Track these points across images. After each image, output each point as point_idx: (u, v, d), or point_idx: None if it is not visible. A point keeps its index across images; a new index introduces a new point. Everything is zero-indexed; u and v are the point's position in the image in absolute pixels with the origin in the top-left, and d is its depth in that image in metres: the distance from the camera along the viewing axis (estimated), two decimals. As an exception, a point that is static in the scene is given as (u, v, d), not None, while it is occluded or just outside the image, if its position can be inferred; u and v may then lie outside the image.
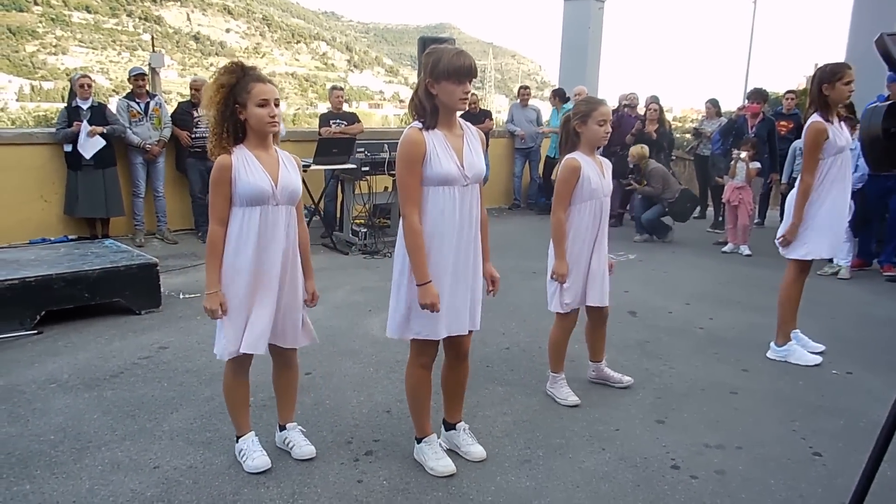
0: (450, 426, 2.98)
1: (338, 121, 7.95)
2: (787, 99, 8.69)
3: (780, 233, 4.09)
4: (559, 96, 9.68)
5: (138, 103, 6.91)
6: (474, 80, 2.52)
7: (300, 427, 3.00)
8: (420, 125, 2.55)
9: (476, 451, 2.92)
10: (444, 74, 2.45)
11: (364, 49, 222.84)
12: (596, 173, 3.33)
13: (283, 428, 2.98)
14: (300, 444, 2.91)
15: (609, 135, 3.35)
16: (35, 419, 3.21)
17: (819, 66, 3.93)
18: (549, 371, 3.60)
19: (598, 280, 3.42)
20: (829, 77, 3.82)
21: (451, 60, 2.45)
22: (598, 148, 3.45)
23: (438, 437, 2.93)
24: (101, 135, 6.53)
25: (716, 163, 8.46)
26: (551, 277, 3.39)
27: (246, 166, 2.55)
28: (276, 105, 2.57)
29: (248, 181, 2.54)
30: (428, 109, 2.53)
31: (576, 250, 3.37)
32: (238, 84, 2.53)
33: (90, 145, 6.49)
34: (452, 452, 2.92)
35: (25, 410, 3.30)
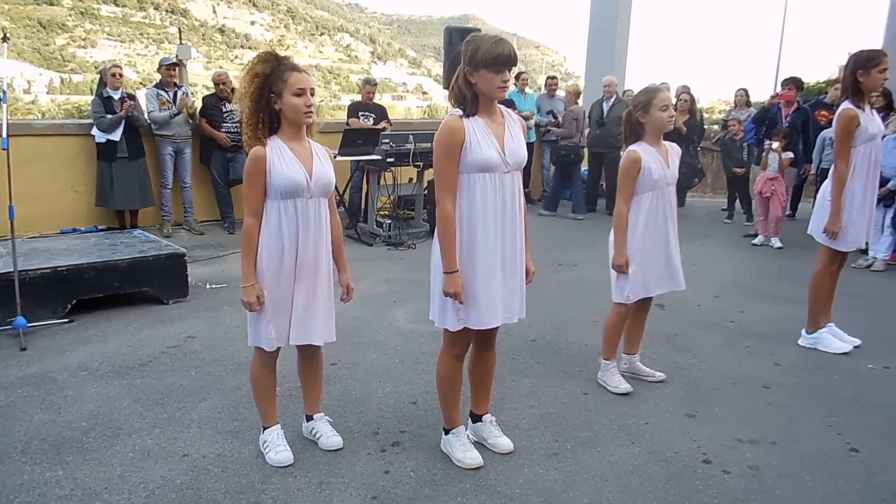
0: (476, 418, 2.96)
1: (366, 113, 7.93)
2: (835, 89, 8.40)
3: (813, 227, 4.01)
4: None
5: (167, 92, 6.97)
6: (513, 68, 2.49)
7: (327, 417, 3.00)
8: (460, 112, 2.52)
9: (503, 443, 2.90)
10: (482, 63, 2.42)
11: (387, 41, 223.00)
12: (658, 163, 3.30)
13: (310, 418, 2.98)
14: (327, 434, 2.91)
15: (673, 119, 3.31)
16: (67, 406, 3.26)
17: (853, 52, 3.83)
18: (600, 358, 3.59)
19: (675, 268, 3.45)
20: (864, 63, 3.73)
21: (489, 49, 2.41)
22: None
23: (466, 430, 2.92)
24: (128, 123, 6.62)
25: (730, 152, 8.33)
26: (612, 268, 3.38)
27: (280, 158, 2.54)
28: (312, 94, 2.55)
29: (283, 173, 2.53)
30: (468, 97, 2.50)
31: (639, 240, 3.34)
32: (273, 73, 2.51)
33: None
34: (479, 445, 2.90)
35: (58, 397, 3.35)
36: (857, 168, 3.86)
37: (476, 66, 2.44)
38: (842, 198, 3.86)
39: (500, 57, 2.42)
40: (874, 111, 3.90)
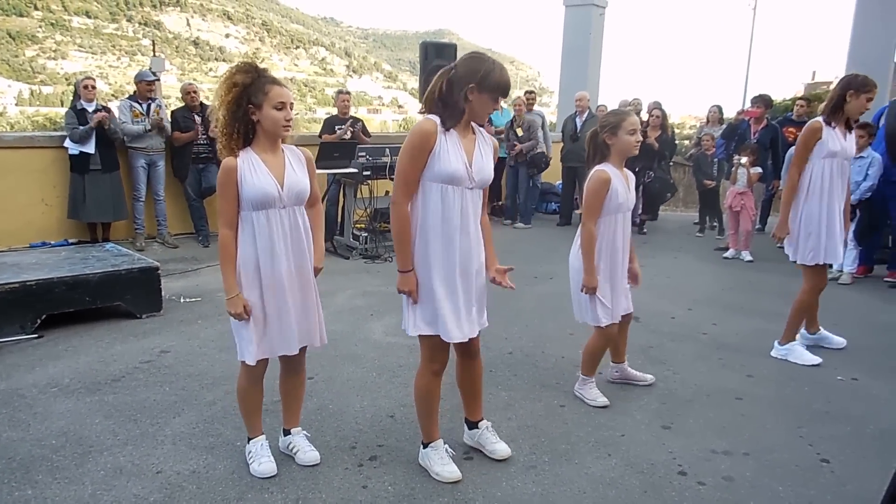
0: (472, 425, 2.99)
1: (343, 127, 7.92)
2: (799, 106, 8.62)
3: (788, 246, 4.17)
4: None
5: (140, 104, 6.92)
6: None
7: (304, 432, 2.98)
8: (438, 121, 2.53)
9: (501, 448, 2.94)
10: (489, 87, 2.48)
11: (363, 54, 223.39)
12: (623, 186, 3.35)
13: (287, 433, 2.95)
14: (304, 449, 2.88)
15: (640, 143, 3.36)
16: (36, 424, 3.18)
17: (851, 74, 4.03)
18: (578, 372, 3.62)
19: (626, 289, 3.54)
20: (857, 86, 3.89)
21: (500, 76, 2.49)
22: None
23: (463, 436, 2.99)
24: (102, 134, 6.54)
25: (701, 166, 8.50)
26: (581, 290, 3.39)
27: (251, 169, 2.53)
28: (291, 108, 2.56)
29: (254, 184, 2.52)
30: (456, 112, 2.52)
31: (608, 263, 3.38)
32: (253, 84, 2.50)
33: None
34: (471, 453, 2.93)
35: (26, 415, 3.27)
36: (813, 184, 4.00)
37: (483, 88, 2.48)
38: (791, 206, 4.04)
39: (506, 87, 2.52)
40: (848, 133, 4.01)
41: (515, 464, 2.91)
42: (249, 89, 2.50)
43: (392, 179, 6.90)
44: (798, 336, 4.30)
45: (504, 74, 2.50)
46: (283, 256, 2.60)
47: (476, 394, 2.95)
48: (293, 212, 2.63)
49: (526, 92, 10.21)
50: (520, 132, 8.89)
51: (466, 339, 2.67)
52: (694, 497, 2.69)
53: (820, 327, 4.47)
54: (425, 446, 2.83)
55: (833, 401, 3.63)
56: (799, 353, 4.17)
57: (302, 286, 2.68)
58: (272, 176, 2.55)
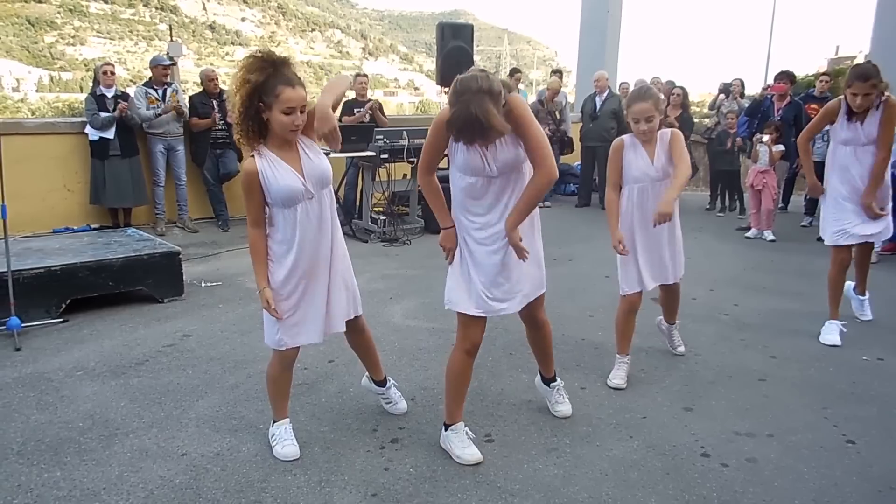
0: (546, 380, 3.19)
1: (361, 109, 7.90)
2: (821, 82, 8.39)
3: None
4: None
5: (156, 90, 6.94)
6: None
7: (394, 381, 3.20)
8: None
9: (563, 408, 3.17)
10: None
11: (379, 36, 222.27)
12: (643, 159, 3.37)
13: (381, 384, 3.15)
14: (395, 400, 3.17)
15: (646, 132, 3.31)
16: (63, 406, 3.24)
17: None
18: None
19: (664, 263, 3.61)
20: (845, 83, 3.94)
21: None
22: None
23: (536, 380, 3.23)
24: (121, 120, 6.59)
25: (721, 139, 8.41)
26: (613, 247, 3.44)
27: (273, 169, 2.54)
28: (302, 112, 2.50)
29: (279, 184, 2.53)
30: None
31: (630, 233, 3.43)
32: (266, 83, 2.43)
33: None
34: (497, 433, 2.98)
35: (53, 398, 3.33)
36: (834, 166, 4.08)
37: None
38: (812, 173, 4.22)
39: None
40: (864, 119, 3.92)
41: (536, 446, 2.92)
42: (261, 88, 2.43)
43: (410, 162, 7.01)
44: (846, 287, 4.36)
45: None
46: (315, 245, 2.63)
47: (544, 353, 3.12)
48: (321, 199, 2.65)
49: (553, 71, 10.11)
50: (558, 115, 8.99)
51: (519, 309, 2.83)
52: (717, 478, 2.67)
53: (867, 293, 4.49)
54: (447, 428, 2.84)
55: (858, 381, 3.58)
56: (827, 329, 4.13)
57: (335, 267, 2.74)
58: (293, 171, 2.56)
